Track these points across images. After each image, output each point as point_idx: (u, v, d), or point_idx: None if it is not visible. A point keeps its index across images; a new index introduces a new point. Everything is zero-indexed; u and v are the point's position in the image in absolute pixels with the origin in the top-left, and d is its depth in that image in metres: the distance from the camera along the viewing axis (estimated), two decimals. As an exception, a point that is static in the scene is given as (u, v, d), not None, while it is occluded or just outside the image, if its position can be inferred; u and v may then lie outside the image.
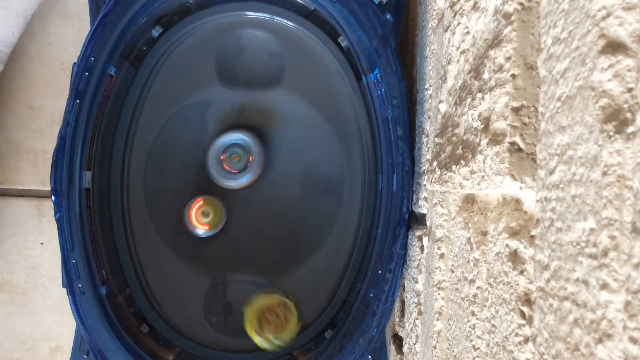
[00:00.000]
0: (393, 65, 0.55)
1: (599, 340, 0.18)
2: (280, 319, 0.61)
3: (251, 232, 0.65)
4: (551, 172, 0.23)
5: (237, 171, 0.61)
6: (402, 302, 0.61)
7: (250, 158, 0.61)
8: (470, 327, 0.34)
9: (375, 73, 0.55)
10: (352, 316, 0.57)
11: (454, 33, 0.41)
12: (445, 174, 0.39)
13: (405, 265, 0.57)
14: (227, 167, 0.61)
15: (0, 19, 0.67)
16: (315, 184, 0.64)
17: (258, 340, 0.60)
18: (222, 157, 0.61)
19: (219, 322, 0.65)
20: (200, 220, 0.62)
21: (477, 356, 0.32)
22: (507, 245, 0.29)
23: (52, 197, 0.58)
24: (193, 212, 0.62)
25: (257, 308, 0.60)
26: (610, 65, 0.19)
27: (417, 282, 0.52)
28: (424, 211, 0.53)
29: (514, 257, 0.28)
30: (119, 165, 0.65)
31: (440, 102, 0.45)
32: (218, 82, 0.64)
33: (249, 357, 0.63)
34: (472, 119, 0.34)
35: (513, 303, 0.27)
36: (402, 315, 0.60)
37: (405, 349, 0.57)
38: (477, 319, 0.33)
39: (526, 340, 0.26)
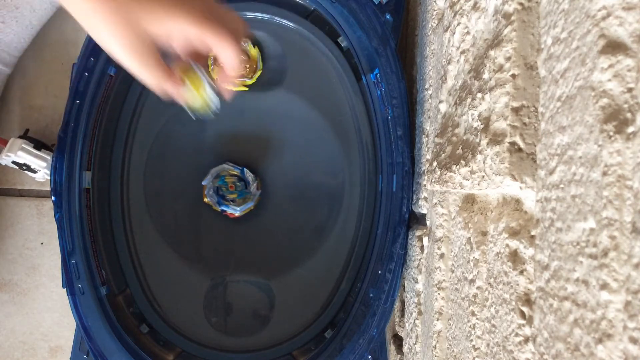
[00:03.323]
0: (393, 66, 0.55)
1: (599, 340, 0.18)
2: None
3: (251, 232, 0.65)
4: (551, 172, 0.23)
5: (234, 200, 0.63)
6: (402, 302, 0.61)
7: (247, 186, 0.63)
8: (470, 327, 0.34)
9: (375, 73, 0.55)
10: (352, 316, 0.57)
11: (454, 33, 0.41)
12: (445, 174, 0.39)
13: (405, 265, 0.57)
14: (224, 196, 0.63)
15: (14, 28, 0.68)
16: (315, 184, 0.64)
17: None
18: (217, 186, 0.63)
19: (219, 322, 0.65)
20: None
21: (477, 356, 0.32)
22: (507, 245, 0.29)
23: (52, 197, 0.58)
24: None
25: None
26: (610, 65, 0.19)
27: (417, 282, 0.52)
28: (424, 211, 0.53)
29: (514, 257, 0.28)
30: (119, 165, 0.65)
31: (440, 102, 0.45)
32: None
33: (249, 357, 0.63)
34: (472, 119, 0.34)
35: (513, 303, 0.27)
36: (402, 315, 0.60)
37: (405, 349, 0.57)
38: (477, 319, 0.33)
39: (526, 340, 0.26)
